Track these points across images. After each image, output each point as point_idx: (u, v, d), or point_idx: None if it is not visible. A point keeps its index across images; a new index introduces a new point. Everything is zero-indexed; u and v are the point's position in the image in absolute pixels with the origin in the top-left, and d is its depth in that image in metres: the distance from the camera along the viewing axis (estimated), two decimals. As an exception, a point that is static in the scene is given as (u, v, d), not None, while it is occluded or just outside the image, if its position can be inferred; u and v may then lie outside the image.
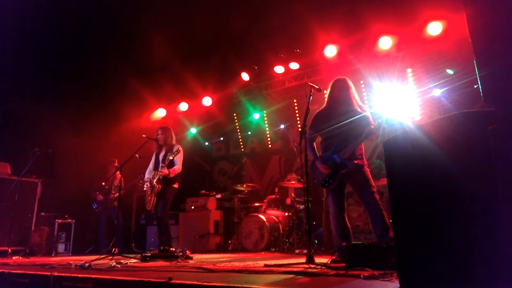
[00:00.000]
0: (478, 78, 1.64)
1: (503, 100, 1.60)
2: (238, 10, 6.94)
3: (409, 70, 6.88)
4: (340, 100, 3.88)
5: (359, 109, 3.84)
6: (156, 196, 5.26)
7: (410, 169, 1.97)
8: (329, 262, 3.28)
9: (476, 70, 1.66)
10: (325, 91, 4.19)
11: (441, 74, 6.14)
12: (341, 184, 3.75)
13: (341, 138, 3.72)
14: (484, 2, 1.74)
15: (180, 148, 5.43)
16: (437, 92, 5.99)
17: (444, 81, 5.95)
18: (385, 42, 6.66)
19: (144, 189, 5.44)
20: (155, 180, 5.24)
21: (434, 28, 6.17)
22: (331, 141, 3.80)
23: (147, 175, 5.55)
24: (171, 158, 5.24)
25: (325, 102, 4.03)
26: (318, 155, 3.89)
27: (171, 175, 5.28)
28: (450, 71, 5.94)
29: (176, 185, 5.43)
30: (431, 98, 6.26)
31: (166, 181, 5.28)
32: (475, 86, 1.73)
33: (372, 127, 3.65)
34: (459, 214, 1.68)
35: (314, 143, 4.00)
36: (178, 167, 5.38)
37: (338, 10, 6.45)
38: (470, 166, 1.66)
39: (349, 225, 3.74)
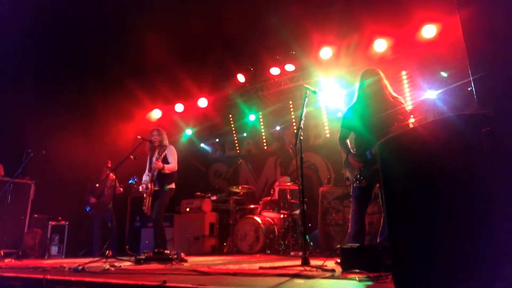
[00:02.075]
0: (472, 81, 1.65)
1: (496, 103, 1.61)
2: (234, 11, 6.93)
3: (403, 72, 6.91)
4: (371, 92, 3.68)
5: (392, 100, 3.65)
6: (151, 197, 5.23)
7: (404, 171, 1.98)
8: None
9: (470, 72, 1.67)
10: (319, 91, 4.14)
11: (436, 77, 6.17)
12: (372, 183, 3.60)
13: (373, 133, 3.56)
14: (478, 5, 1.75)
15: (171, 146, 5.46)
16: (432, 94, 6.02)
17: (438, 83, 5.98)
18: (380, 44, 6.69)
19: (140, 190, 5.41)
20: (148, 182, 5.22)
21: (429, 31, 6.20)
22: (363, 137, 3.66)
23: (144, 179, 5.52)
24: (156, 156, 5.24)
25: (355, 96, 3.82)
26: (350, 150, 3.75)
27: (166, 171, 5.25)
28: (444, 74, 5.97)
29: (172, 186, 5.41)
30: (425, 100, 6.29)
31: (161, 181, 5.25)
32: (469, 89, 1.74)
33: (401, 117, 3.50)
34: (453, 216, 1.69)
35: (348, 140, 3.84)
36: (173, 165, 5.37)
37: (333, 12, 6.47)
38: (465, 168, 1.67)
39: (366, 227, 3.64)
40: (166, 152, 5.36)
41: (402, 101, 3.72)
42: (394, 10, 6.11)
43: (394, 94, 3.75)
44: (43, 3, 6.88)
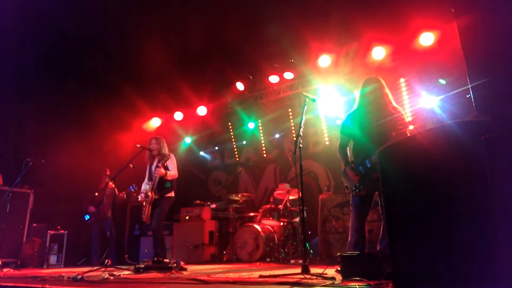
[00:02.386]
0: (470, 88, 1.66)
1: (495, 109, 1.62)
2: (233, 20, 6.99)
3: (402, 79, 6.94)
4: (372, 100, 3.66)
5: (391, 110, 3.64)
6: (151, 206, 5.22)
7: (403, 178, 1.98)
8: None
9: (468, 80, 1.68)
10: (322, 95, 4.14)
11: (434, 84, 6.20)
12: (371, 191, 3.58)
13: (372, 141, 3.53)
14: (476, 14, 1.77)
15: (171, 154, 5.46)
16: (430, 101, 6.04)
17: (437, 90, 6.00)
18: (379, 52, 6.73)
19: (139, 199, 5.40)
20: (149, 191, 5.21)
21: (427, 39, 6.25)
22: (362, 145, 3.63)
23: (143, 187, 5.51)
24: (156, 164, 5.25)
25: (356, 103, 3.81)
26: (349, 160, 3.73)
27: (168, 177, 5.26)
28: (442, 81, 6.00)
29: (172, 194, 5.40)
30: (424, 108, 6.31)
31: (161, 190, 5.24)
32: (468, 96, 1.75)
33: (400, 126, 3.49)
34: (453, 224, 1.68)
35: (348, 148, 3.82)
36: (174, 172, 5.37)
37: (332, 21, 6.52)
38: (464, 175, 1.67)
39: (366, 235, 3.61)
40: (169, 160, 5.36)
41: (401, 110, 3.71)
42: (392, 18, 6.16)
43: (395, 104, 3.73)
44: (38, 20, 6.95)
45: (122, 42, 7.77)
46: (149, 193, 5.18)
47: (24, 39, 7.39)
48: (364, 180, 3.54)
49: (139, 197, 5.39)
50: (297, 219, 6.60)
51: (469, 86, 1.66)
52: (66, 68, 8.29)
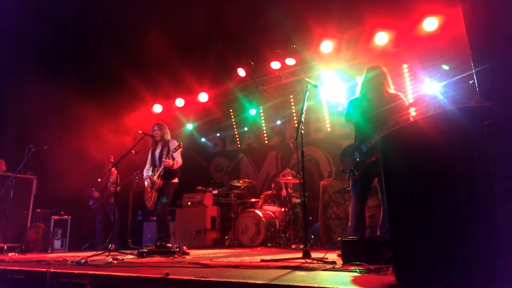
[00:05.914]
0: (474, 73, 1.64)
1: (499, 95, 1.61)
2: (234, 5, 6.90)
3: (405, 65, 6.88)
4: (372, 87, 3.78)
5: (388, 96, 3.73)
6: (157, 192, 5.27)
7: (405, 164, 1.98)
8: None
9: (472, 65, 1.66)
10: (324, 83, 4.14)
11: (437, 70, 6.15)
12: (368, 176, 3.66)
13: (372, 126, 3.63)
14: (480, -3, 1.75)
15: (174, 141, 5.47)
16: (433, 87, 6.00)
17: (440, 76, 5.95)
18: (381, 38, 6.66)
19: (145, 185, 5.44)
20: (155, 176, 5.24)
21: (430, 24, 6.17)
22: (362, 130, 3.73)
23: (145, 173, 5.54)
24: (159, 150, 5.27)
25: (358, 90, 3.92)
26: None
27: (175, 167, 5.30)
28: (445, 67, 5.95)
29: (176, 180, 5.45)
30: (426, 94, 6.27)
31: (167, 176, 5.28)
32: (471, 82, 1.74)
33: (400, 111, 3.56)
34: (455, 209, 1.69)
35: None
36: (180, 161, 5.41)
37: (334, 6, 6.43)
38: (466, 161, 1.67)
39: (366, 220, 3.69)
40: (170, 147, 5.37)
41: (402, 96, 3.77)
42: (395, 3, 6.08)
43: (393, 91, 3.81)
44: (38, 4, 6.86)
45: (123, 28, 7.69)
46: (155, 180, 5.22)
47: (25, 23, 7.33)
48: (359, 164, 3.60)
49: (145, 182, 5.44)
50: (297, 201, 6.64)
51: (473, 71, 1.64)
52: (68, 55, 8.24)
